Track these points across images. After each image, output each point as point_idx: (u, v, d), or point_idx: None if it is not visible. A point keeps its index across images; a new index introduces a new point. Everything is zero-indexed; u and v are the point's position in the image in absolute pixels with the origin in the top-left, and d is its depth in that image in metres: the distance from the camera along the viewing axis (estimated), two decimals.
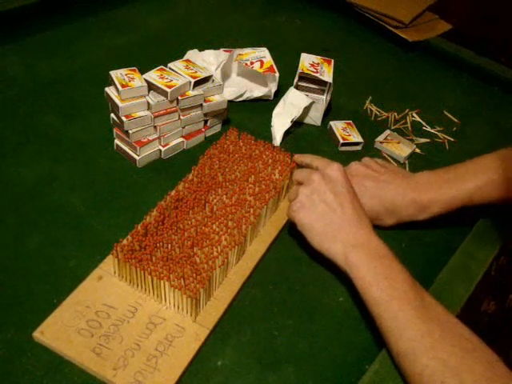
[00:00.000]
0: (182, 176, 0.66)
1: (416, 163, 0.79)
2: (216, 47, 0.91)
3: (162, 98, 0.70)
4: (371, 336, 0.56)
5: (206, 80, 0.74)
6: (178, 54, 0.87)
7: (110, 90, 0.71)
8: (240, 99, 0.86)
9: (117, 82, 0.70)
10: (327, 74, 0.81)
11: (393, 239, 0.67)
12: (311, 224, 0.60)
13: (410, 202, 0.65)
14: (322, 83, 0.81)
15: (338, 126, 0.82)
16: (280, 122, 0.79)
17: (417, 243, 0.67)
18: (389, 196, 0.65)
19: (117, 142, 0.73)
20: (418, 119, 0.89)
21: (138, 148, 0.70)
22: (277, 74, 0.86)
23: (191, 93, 0.72)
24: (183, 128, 0.75)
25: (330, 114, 0.87)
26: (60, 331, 0.51)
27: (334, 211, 0.59)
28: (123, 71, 0.72)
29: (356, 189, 0.62)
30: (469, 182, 0.64)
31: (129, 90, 0.69)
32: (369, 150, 0.81)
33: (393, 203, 0.65)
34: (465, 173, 0.65)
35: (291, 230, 0.65)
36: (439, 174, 0.67)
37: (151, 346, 0.51)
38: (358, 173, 0.68)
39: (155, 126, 0.72)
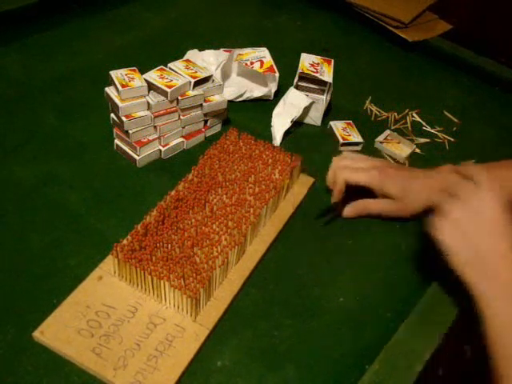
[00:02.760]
0: (182, 176, 0.66)
1: (416, 163, 0.79)
2: (216, 47, 0.91)
3: (162, 98, 0.70)
4: (371, 336, 0.56)
5: (206, 80, 0.74)
6: (178, 54, 0.87)
7: (110, 90, 0.71)
8: (240, 99, 0.86)
9: (117, 82, 0.70)
10: (327, 73, 0.81)
11: (392, 239, 0.67)
12: (458, 249, 0.53)
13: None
14: (322, 83, 0.81)
15: (338, 126, 0.82)
16: (280, 122, 0.79)
17: (416, 243, 0.67)
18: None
19: (117, 142, 0.73)
20: (418, 119, 0.89)
21: (138, 148, 0.70)
22: (277, 74, 0.86)
23: (191, 93, 0.72)
24: (183, 128, 0.75)
25: (329, 114, 0.86)
26: (60, 331, 0.51)
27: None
28: (123, 71, 0.72)
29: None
30: None
31: (129, 89, 0.69)
32: (369, 150, 0.81)
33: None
34: None
35: (291, 230, 0.65)
36: None
37: (151, 346, 0.51)
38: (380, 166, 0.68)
39: (155, 126, 0.72)
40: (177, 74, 0.73)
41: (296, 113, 0.79)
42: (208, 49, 0.90)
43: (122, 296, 0.55)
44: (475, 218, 0.52)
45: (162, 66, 0.74)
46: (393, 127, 0.86)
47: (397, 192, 0.66)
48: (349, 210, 0.69)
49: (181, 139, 0.75)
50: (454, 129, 0.88)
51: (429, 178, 0.65)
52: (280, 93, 0.87)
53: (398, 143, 0.82)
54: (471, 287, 0.51)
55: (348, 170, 0.67)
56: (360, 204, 0.69)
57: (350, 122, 0.84)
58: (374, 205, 0.68)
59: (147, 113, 0.70)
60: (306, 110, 0.82)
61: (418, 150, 0.82)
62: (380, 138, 0.82)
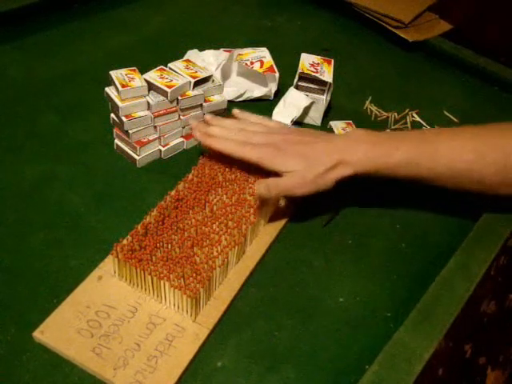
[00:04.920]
0: (182, 176, 0.66)
1: None
2: (216, 47, 0.91)
3: (162, 98, 0.70)
4: (371, 336, 0.56)
5: (206, 80, 0.74)
6: (178, 54, 0.87)
7: (110, 90, 0.71)
8: (240, 99, 0.86)
9: (117, 82, 0.70)
10: (327, 73, 0.81)
11: (392, 239, 0.67)
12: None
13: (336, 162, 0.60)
14: (322, 83, 0.81)
15: (338, 126, 0.82)
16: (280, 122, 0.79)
17: (417, 243, 0.67)
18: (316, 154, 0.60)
19: (117, 141, 0.73)
20: (418, 119, 0.89)
21: (138, 148, 0.70)
22: (277, 74, 0.86)
23: (191, 93, 0.72)
24: (183, 128, 0.75)
25: (329, 113, 0.86)
26: (60, 331, 0.51)
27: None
28: (123, 71, 0.72)
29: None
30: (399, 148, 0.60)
31: (129, 89, 0.69)
32: None
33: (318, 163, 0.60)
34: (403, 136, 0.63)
35: (291, 230, 0.65)
36: (373, 133, 0.63)
37: (151, 346, 0.51)
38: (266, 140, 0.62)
39: (155, 126, 0.72)
40: (177, 74, 0.73)
41: (296, 113, 0.79)
42: (208, 49, 0.90)
43: (122, 296, 0.55)
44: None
45: (162, 66, 0.74)
46: (393, 127, 0.86)
47: (298, 166, 0.60)
48: (260, 189, 0.60)
49: (181, 139, 0.75)
50: None
51: (329, 141, 0.63)
52: (280, 93, 0.87)
53: None
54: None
55: (232, 142, 0.63)
56: (272, 182, 0.61)
57: (350, 122, 0.84)
58: (284, 181, 0.61)
59: (147, 113, 0.70)
60: (306, 109, 0.82)
61: None
62: None
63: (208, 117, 0.68)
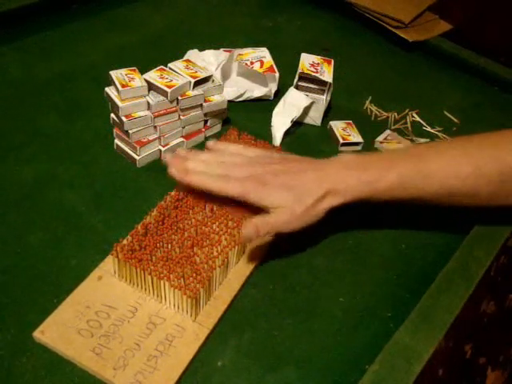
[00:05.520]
0: None
1: None
2: (216, 47, 0.91)
3: (162, 98, 0.70)
4: (371, 336, 0.56)
5: (206, 80, 0.74)
6: (178, 54, 0.87)
7: (110, 90, 0.71)
8: (240, 99, 0.86)
9: (117, 82, 0.70)
10: (327, 73, 0.81)
11: (392, 240, 0.67)
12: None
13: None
14: (322, 83, 0.81)
15: (338, 126, 0.82)
16: (280, 121, 0.79)
17: (416, 243, 0.67)
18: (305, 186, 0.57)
19: (117, 141, 0.73)
20: (418, 119, 0.89)
21: (138, 148, 0.70)
22: (277, 74, 0.86)
23: (191, 93, 0.72)
24: (183, 128, 0.75)
25: (329, 113, 0.87)
26: (60, 331, 0.51)
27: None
28: (123, 71, 0.72)
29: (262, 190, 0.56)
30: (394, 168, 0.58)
31: (129, 89, 0.69)
32: (369, 150, 0.81)
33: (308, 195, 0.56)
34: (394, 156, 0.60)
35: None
36: (362, 157, 0.60)
37: (151, 346, 0.51)
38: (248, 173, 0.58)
39: (155, 126, 0.72)
40: (177, 73, 0.73)
41: (296, 113, 0.79)
42: (208, 49, 0.90)
43: (122, 296, 0.55)
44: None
45: (162, 66, 0.74)
46: (393, 127, 0.86)
47: (285, 200, 0.56)
48: (248, 231, 0.56)
49: (181, 139, 0.75)
50: (454, 129, 0.88)
51: (317, 170, 0.59)
52: (280, 93, 0.87)
53: (398, 143, 0.82)
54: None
55: (213, 177, 0.58)
56: (260, 221, 0.56)
57: (350, 122, 0.84)
58: (274, 219, 0.56)
59: (147, 113, 0.70)
60: (306, 109, 0.82)
61: None
62: (380, 138, 0.82)
63: (183, 151, 0.63)
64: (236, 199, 0.57)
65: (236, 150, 0.63)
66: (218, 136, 0.75)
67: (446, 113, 0.92)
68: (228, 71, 0.87)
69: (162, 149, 0.73)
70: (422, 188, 0.58)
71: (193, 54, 0.88)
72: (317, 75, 0.80)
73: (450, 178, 0.57)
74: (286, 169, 0.58)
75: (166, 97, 0.70)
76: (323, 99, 0.82)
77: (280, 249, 0.62)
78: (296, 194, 0.56)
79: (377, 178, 0.57)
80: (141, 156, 0.71)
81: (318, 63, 0.83)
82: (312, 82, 0.82)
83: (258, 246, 0.61)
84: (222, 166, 0.59)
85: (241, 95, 0.86)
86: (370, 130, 0.84)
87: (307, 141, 0.82)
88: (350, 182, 0.57)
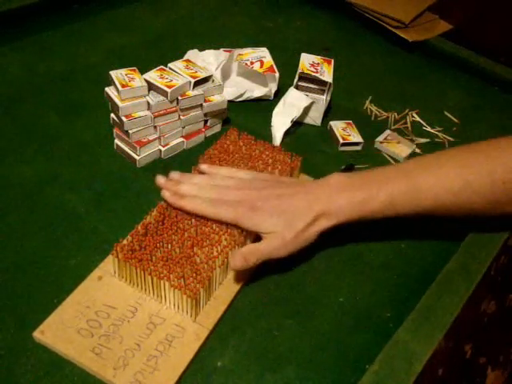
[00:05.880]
0: None
1: None
2: (216, 47, 0.91)
3: (162, 98, 0.70)
4: (371, 336, 0.56)
5: (206, 80, 0.74)
6: (178, 54, 0.87)
7: (110, 90, 0.71)
8: (240, 99, 0.86)
9: (117, 82, 0.70)
10: (327, 74, 0.81)
11: (392, 239, 0.67)
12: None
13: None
14: (322, 83, 0.81)
15: (338, 126, 0.82)
16: (280, 121, 0.79)
17: (416, 243, 0.67)
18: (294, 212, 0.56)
19: (117, 141, 0.73)
20: (418, 119, 0.89)
21: (138, 148, 0.70)
22: (277, 74, 0.86)
23: (191, 93, 0.72)
24: (183, 128, 0.75)
25: (329, 114, 0.87)
26: (60, 331, 0.51)
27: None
28: (123, 71, 0.72)
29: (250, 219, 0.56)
30: (389, 184, 0.57)
31: (129, 89, 0.69)
32: (369, 149, 0.81)
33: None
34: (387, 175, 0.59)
35: None
36: (352, 177, 0.59)
37: (151, 346, 0.51)
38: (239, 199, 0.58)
39: (155, 126, 0.72)
40: (177, 73, 0.73)
41: (296, 113, 0.79)
42: (208, 49, 0.90)
43: (122, 296, 0.55)
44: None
45: (162, 66, 0.74)
46: (393, 127, 0.86)
47: (276, 225, 0.56)
48: (236, 262, 0.55)
49: (181, 139, 0.75)
50: (454, 129, 0.88)
51: (307, 193, 0.58)
52: (280, 93, 0.87)
53: (398, 143, 0.82)
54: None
55: (206, 202, 0.58)
56: (249, 250, 0.56)
57: (350, 121, 0.84)
58: (264, 246, 0.56)
59: (147, 113, 0.70)
60: (306, 109, 0.82)
61: (417, 150, 0.82)
62: (380, 138, 0.82)
63: (176, 174, 0.63)
64: (229, 224, 0.58)
65: (228, 173, 0.63)
66: (218, 136, 0.75)
67: (445, 113, 0.92)
68: (228, 71, 0.87)
69: (162, 149, 0.73)
70: (416, 204, 0.57)
71: (193, 54, 0.88)
72: (317, 75, 0.80)
73: (442, 194, 0.56)
74: (278, 192, 0.58)
75: (166, 97, 0.70)
76: (323, 99, 0.82)
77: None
78: (287, 218, 0.56)
79: (368, 198, 0.57)
80: (141, 156, 0.71)
81: (318, 63, 0.83)
82: (312, 82, 0.82)
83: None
84: (214, 190, 0.59)
85: (241, 95, 0.86)
86: (369, 129, 0.84)
87: (307, 141, 0.82)
88: (341, 203, 0.57)
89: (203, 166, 0.64)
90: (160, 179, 0.62)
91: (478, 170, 0.56)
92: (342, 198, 0.57)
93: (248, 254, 0.55)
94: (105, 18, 1.02)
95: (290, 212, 0.56)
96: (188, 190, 0.59)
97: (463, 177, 0.56)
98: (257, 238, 0.59)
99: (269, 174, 0.65)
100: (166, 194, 0.60)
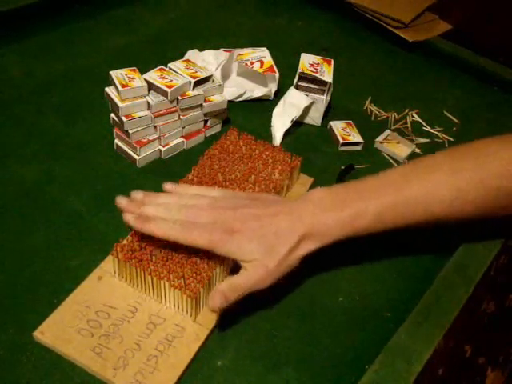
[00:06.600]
0: (182, 176, 0.66)
1: None
2: (216, 47, 0.91)
3: (162, 98, 0.70)
4: (371, 336, 0.56)
5: (206, 80, 0.74)
6: (178, 54, 0.87)
7: (110, 90, 0.71)
8: (240, 99, 0.86)
9: (117, 82, 0.70)
10: (327, 73, 0.81)
11: (392, 240, 0.67)
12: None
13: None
14: (322, 83, 0.81)
15: (338, 126, 0.82)
16: (280, 121, 0.79)
17: (416, 243, 0.67)
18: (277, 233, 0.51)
19: (117, 141, 0.73)
20: (418, 119, 0.89)
21: (138, 148, 0.70)
22: (277, 74, 0.86)
23: (191, 93, 0.72)
24: (183, 128, 0.75)
25: (329, 113, 0.87)
26: (60, 331, 0.51)
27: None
28: (123, 71, 0.72)
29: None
30: (377, 198, 0.54)
31: (129, 89, 0.69)
32: (369, 149, 0.81)
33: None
34: (374, 187, 0.55)
35: None
36: (336, 192, 0.55)
37: (151, 346, 0.51)
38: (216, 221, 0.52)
39: (155, 126, 0.72)
40: (177, 73, 0.73)
41: (296, 113, 0.79)
42: (208, 49, 0.90)
43: (122, 296, 0.55)
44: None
45: (162, 66, 0.74)
46: (393, 127, 0.86)
47: (256, 252, 0.51)
48: (215, 302, 0.50)
49: (181, 139, 0.75)
50: (454, 129, 0.88)
51: (290, 213, 0.53)
52: (280, 93, 0.87)
53: (398, 143, 0.82)
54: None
55: (175, 225, 0.51)
56: (229, 287, 0.51)
57: (350, 122, 0.84)
58: (245, 280, 0.51)
59: (147, 113, 0.70)
60: (306, 109, 0.82)
61: (417, 150, 0.82)
62: (380, 138, 0.82)
63: (139, 194, 0.56)
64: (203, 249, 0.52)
65: (198, 191, 0.57)
66: (218, 136, 0.75)
67: (445, 113, 0.92)
68: (228, 71, 0.87)
69: (162, 149, 0.73)
70: (407, 217, 0.54)
71: (193, 54, 0.88)
72: (317, 75, 0.80)
73: (433, 205, 0.54)
74: (257, 212, 0.52)
75: (166, 97, 0.70)
76: (323, 99, 0.82)
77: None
78: (268, 243, 0.51)
79: (355, 215, 0.53)
80: (141, 156, 0.71)
81: (318, 63, 0.83)
82: (312, 82, 0.82)
83: None
84: (184, 211, 0.53)
85: (241, 95, 0.86)
86: (369, 130, 0.84)
87: (307, 141, 0.82)
88: (327, 223, 0.52)
89: (168, 186, 0.58)
90: (121, 200, 0.55)
91: (470, 178, 0.54)
92: (328, 217, 0.53)
93: (228, 292, 0.50)
94: (105, 18, 1.02)
95: (271, 235, 0.51)
96: (154, 212, 0.53)
97: (454, 186, 0.53)
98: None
99: (244, 191, 0.59)
100: (128, 217, 0.53)
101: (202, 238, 0.50)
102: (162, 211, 0.53)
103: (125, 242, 0.56)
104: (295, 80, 0.82)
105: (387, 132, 0.84)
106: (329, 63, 0.84)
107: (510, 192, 0.54)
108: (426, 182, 0.54)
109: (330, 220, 0.52)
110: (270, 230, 0.51)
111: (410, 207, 0.54)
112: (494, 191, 0.54)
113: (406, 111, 0.90)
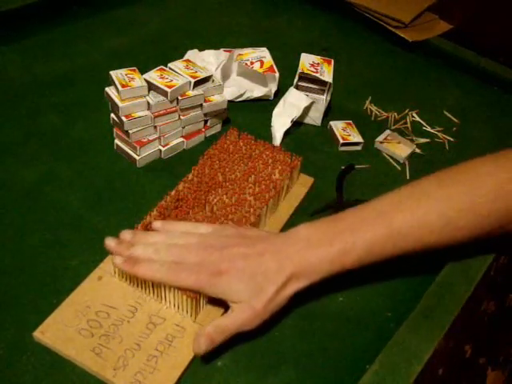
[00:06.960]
0: (182, 176, 0.66)
1: (416, 163, 0.79)
2: (216, 47, 0.91)
3: (162, 98, 0.70)
4: (371, 336, 0.56)
5: (206, 80, 0.74)
6: (178, 54, 0.87)
7: (110, 90, 0.71)
8: (240, 99, 0.86)
9: (117, 82, 0.70)
10: (327, 74, 0.81)
11: None
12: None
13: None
14: (322, 83, 0.81)
15: (338, 126, 0.82)
16: (280, 121, 0.79)
17: None
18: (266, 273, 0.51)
19: (117, 141, 0.73)
20: (418, 119, 0.89)
21: (138, 148, 0.70)
22: (277, 74, 0.86)
23: (191, 93, 0.72)
24: (183, 128, 0.75)
25: (329, 113, 0.87)
26: (60, 331, 0.51)
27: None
28: (123, 71, 0.72)
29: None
30: (363, 231, 0.53)
31: (129, 89, 0.69)
32: (369, 150, 0.81)
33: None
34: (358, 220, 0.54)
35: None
36: (324, 227, 0.54)
37: (151, 346, 0.51)
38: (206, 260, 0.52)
39: (155, 126, 0.72)
40: (177, 73, 0.73)
41: (296, 113, 0.79)
42: (208, 49, 0.90)
43: (122, 296, 0.55)
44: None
45: (162, 66, 0.74)
46: (393, 127, 0.86)
47: (243, 293, 0.51)
48: (200, 347, 0.50)
49: (181, 139, 0.75)
50: (454, 129, 0.88)
51: (277, 252, 0.52)
52: (280, 93, 0.87)
53: (398, 143, 0.82)
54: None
55: (163, 267, 0.51)
56: (215, 329, 0.50)
57: (350, 122, 0.84)
58: (232, 321, 0.51)
59: (147, 113, 0.70)
60: (306, 109, 0.82)
61: (418, 150, 0.82)
62: (380, 138, 0.82)
63: (127, 234, 0.56)
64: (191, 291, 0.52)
65: (186, 229, 0.56)
66: (218, 136, 0.75)
67: (445, 113, 0.92)
68: (228, 71, 0.87)
69: (162, 149, 0.73)
70: (397, 248, 0.53)
71: (193, 54, 0.88)
72: (317, 75, 0.80)
73: (424, 235, 0.53)
74: (244, 251, 0.52)
75: (166, 97, 0.70)
76: (323, 99, 0.82)
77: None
78: (255, 284, 0.50)
79: (343, 251, 0.52)
80: (141, 156, 0.71)
81: (318, 63, 0.83)
82: (312, 82, 0.82)
83: None
84: (172, 251, 0.53)
85: (241, 95, 0.86)
86: (369, 129, 0.84)
87: (307, 141, 0.82)
88: (314, 261, 0.52)
89: (156, 224, 0.57)
90: (110, 242, 0.55)
91: (460, 205, 0.53)
92: (315, 255, 0.52)
93: (214, 334, 0.50)
94: (105, 19, 1.02)
95: (258, 276, 0.51)
96: (143, 254, 0.53)
97: (445, 214, 0.52)
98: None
99: (232, 225, 0.58)
100: (117, 260, 0.53)
101: (190, 279, 0.51)
102: (150, 252, 0.53)
103: None
104: (295, 80, 0.82)
105: (387, 132, 0.84)
106: (329, 63, 0.84)
107: (506, 212, 0.53)
108: (415, 211, 0.53)
109: (317, 258, 0.52)
110: (257, 270, 0.51)
111: (399, 238, 0.53)
112: (487, 218, 0.53)
113: (406, 111, 0.90)
